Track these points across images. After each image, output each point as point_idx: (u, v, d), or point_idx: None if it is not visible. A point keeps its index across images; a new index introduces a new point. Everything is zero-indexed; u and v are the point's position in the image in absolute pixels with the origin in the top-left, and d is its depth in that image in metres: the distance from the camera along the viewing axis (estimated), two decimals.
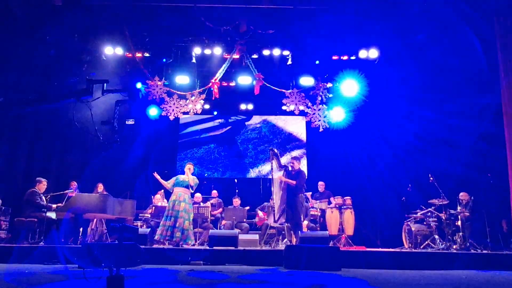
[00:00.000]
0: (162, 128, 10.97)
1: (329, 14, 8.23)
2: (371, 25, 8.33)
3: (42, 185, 6.73)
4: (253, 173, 10.73)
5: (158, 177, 6.90)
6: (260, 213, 8.37)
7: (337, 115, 8.98)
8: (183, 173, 7.00)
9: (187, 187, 6.67)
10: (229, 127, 11.32)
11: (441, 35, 8.16)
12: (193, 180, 6.76)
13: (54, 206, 6.72)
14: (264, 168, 10.70)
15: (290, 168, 6.71)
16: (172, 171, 10.30)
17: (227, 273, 3.97)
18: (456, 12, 7.25)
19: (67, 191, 7.12)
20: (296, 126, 11.21)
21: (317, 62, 9.19)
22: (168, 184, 6.80)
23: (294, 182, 6.45)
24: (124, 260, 2.38)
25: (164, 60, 9.32)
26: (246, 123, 11.33)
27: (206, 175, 9.83)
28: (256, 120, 11.35)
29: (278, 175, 6.80)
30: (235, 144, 11.18)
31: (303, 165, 10.32)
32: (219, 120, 11.35)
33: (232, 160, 11.00)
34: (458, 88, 8.41)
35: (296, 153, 11.02)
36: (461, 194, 7.15)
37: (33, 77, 8.64)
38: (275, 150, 6.94)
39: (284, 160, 10.29)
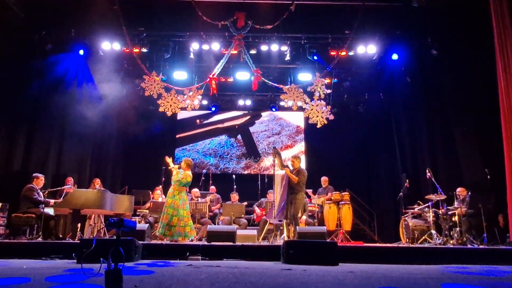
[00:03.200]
0: (160, 123, 10.99)
1: (327, 9, 8.21)
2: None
3: (40, 181, 6.72)
4: (267, 162, 11.03)
5: (169, 161, 6.75)
6: (257, 210, 8.38)
7: None
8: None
9: (173, 184, 6.60)
10: (243, 119, 11.72)
11: None
12: (176, 175, 6.60)
13: (52, 201, 6.72)
14: (295, 149, 11.35)
15: (291, 167, 6.73)
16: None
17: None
18: None
19: (64, 187, 7.11)
20: (302, 119, 11.55)
21: (315, 58, 9.18)
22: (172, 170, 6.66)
23: (296, 178, 6.49)
24: (121, 255, 2.38)
25: (162, 55, 9.29)
26: (256, 116, 11.69)
27: (204, 171, 9.83)
28: (264, 113, 11.58)
29: (280, 173, 6.83)
30: (246, 136, 11.52)
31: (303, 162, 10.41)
32: (230, 114, 11.59)
33: (244, 151, 11.34)
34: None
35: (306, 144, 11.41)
36: (458, 189, 7.17)
37: (30, 73, 8.59)
38: (278, 149, 6.98)
39: (296, 150, 10.51)
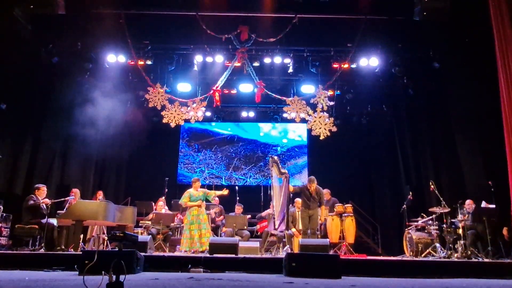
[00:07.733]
0: (163, 134, 11.04)
1: (330, 22, 8.30)
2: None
3: (41, 191, 6.73)
4: (288, 164, 11.46)
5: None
6: (257, 226, 8.38)
7: None
8: (187, 183, 7.26)
9: (200, 200, 6.95)
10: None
11: None
12: (204, 191, 7.09)
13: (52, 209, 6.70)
14: (298, 161, 11.76)
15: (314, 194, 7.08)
16: (173, 178, 10.35)
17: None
18: None
19: (68, 198, 7.14)
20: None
21: (318, 70, 9.25)
22: (187, 203, 6.91)
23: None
24: (123, 267, 2.39)
25: (166, 67, 9.39)
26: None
27: (207, 181, 9.84)
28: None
29: (278, 184, 6.87)
30: (264, 141, 11.94)
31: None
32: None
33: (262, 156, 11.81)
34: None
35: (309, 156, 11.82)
36: (467, 201, 7.10)
37: (37, 85, 8.70)
38: (275, 158, 7.00)
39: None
